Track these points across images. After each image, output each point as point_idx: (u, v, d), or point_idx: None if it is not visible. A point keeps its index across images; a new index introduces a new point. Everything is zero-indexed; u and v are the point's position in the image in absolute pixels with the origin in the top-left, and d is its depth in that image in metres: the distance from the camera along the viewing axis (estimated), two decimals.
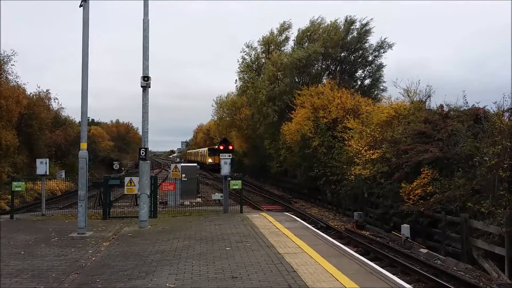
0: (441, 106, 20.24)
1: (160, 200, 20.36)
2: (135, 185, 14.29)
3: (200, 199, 23.67)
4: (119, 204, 21.21)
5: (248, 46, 43.99)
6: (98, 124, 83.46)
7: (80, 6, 12.80)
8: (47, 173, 15.74)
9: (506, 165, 12.77)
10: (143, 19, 13.66)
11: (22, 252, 9.84)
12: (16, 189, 15.35)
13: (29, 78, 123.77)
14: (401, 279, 7.98)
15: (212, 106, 64.05)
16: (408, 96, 23.76)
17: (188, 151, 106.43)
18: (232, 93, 56.51)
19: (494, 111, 16.33)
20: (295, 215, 17.11)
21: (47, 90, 40.28)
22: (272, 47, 42.75)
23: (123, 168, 55.84)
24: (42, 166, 15.35)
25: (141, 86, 13.59)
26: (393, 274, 8.46)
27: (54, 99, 41.30)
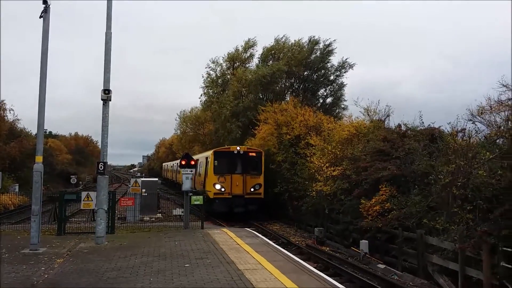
0: (399, 125, 20.86)
1: (118, 216, 19.88)
2: (92, 200, 13.90)
3: (160, 214, 23.26)
4: (76, 219, 20.52)
5: (213, 62, 44.16)
6: (55, 136, 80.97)
7: (40, 17, 12.54)
8: (0, 187, 15.08)
9: (459, 183, 13.23)
10: (106, 32, 13.51)
11: None
12: None
13: None
14: None
15: (176, 120, 63.42)
16: (368, 115, 24.36)
17: (164, 164, 70.52)
18: (196, 107, 56.27)
19: (448, 131, 16.99)
20: (256, 231, 17.09)
21: (2, 101, 38.84)
22: (237, 63, 43.08)
23: (80, 182, 54.27)
24: None
25: (102, 99, 13.35)
26: None
27: (10, 110, 39.79)
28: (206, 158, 26.31)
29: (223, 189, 23.98)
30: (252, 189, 24.66)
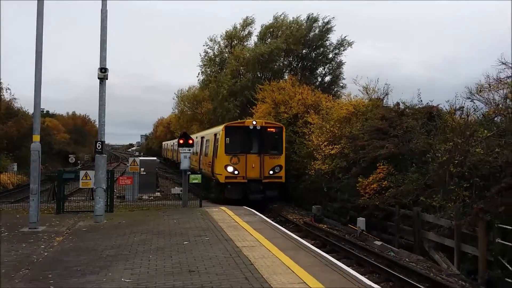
0: (398, 103, 20.82)
1: (117, 194, 19.98)
2: (90, 179, 13.94)
3: (159, 193, 23.37)
4: (74, 198, 20.61)
5: (211, 40, 43.81)
6: (53, 116, 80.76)
7: None
8: None
9: (456, 161, 13.30)
10: (101, 10, 13.33)
11: None
12: None
13: None
14: (355, 271, 8.19)
15: (173, 99, 63.20)
16: (367, 93, 24.28)
17: (164, 143, 67.80)
18: (194, 86, 56.05)
19: (446, 109, 16.99)
20: (254, 209, 17.18)
21: None
22: (235, 41, 42.70)
23: (79, 162, 54.31)
24: None
25: (98, 78, 13.28)
26: (348, 266, 8.67)
27: (6, 89, 39.65)
28: (215, 134, 22.33)
29: (236, 172, 20.23)
30: (271, 172, 20.71)
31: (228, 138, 20.70)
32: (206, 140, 25.03)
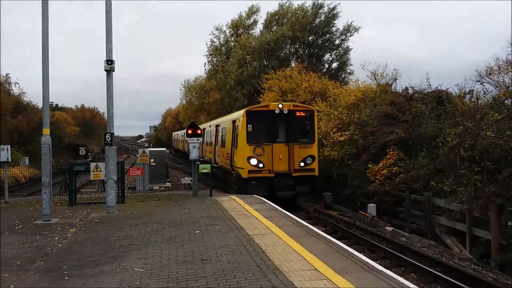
0: (406, 88, 20.70)
1: (128, 185, 20.12)
2: (101, 171, 14.03)
3: (169, 183, 23.49)
4: (86, 190, 20.82)
5: (217, 29, 43.75)
6: (62, 109, 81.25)
7: None
8: (9, 160, 15.26)
9: (467, 145, 13.21)
10: (105, 1, 13.27)
11: None
12: None
13: None
14: (366, 257, 8.20)
15: (181, 90, 63.24)
16: (375, 79, 24.18)
17: (174, 133, 65.60)
18: (201, 76, 56.04)
19: (456, 93, 16.84)
20: (264, 197, 17.20)
21: (6, 75, 38.95)
22: (241, 30, 42.58)
23: (89, 154, 54.68)
24: (3, 153, 14.84)
25: (105, 70, 13.27)
26: (359, 252, 8.68)
27: (15, 84, 39.95)
28: (234, 121, 19.40)
29: (261, 165, 17.40)
30: (302, 164, 17.62)
31: (250, 125, 17.76)
32: (223, 129, 21.98)
